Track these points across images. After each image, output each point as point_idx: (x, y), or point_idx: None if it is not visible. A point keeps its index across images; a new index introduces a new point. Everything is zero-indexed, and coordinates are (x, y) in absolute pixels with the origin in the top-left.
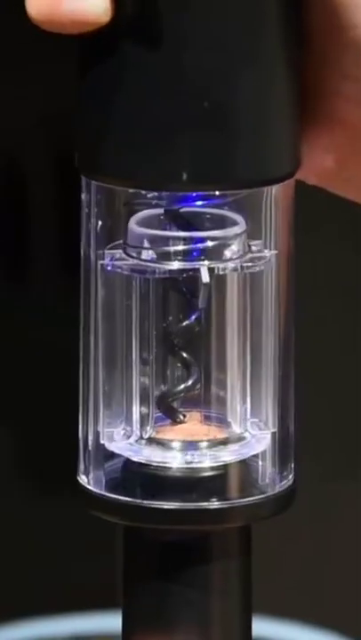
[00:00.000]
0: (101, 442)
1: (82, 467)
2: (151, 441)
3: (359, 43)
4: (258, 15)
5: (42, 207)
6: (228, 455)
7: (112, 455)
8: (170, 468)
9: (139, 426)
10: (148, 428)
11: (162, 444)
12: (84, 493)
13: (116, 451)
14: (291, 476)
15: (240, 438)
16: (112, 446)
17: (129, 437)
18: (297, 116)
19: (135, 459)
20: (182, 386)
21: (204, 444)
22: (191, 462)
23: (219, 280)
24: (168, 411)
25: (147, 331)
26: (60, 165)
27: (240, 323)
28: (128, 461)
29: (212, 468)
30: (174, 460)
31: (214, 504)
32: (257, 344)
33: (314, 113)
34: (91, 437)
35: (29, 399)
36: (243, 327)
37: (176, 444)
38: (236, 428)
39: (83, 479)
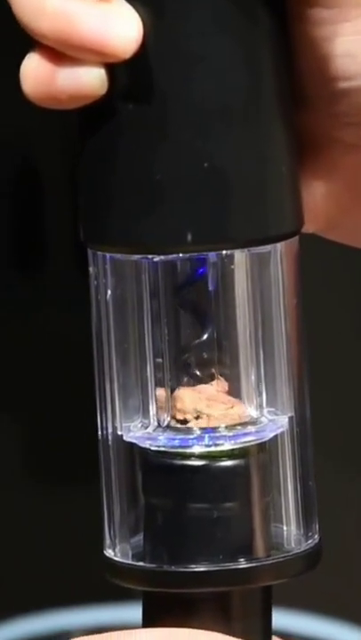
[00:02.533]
0: (119, 433)
1: (108, 541)
2: (169, 428)
3: (352, 92)
4: (253, 77)
5: (55, 193)
6: (248, 437)
7: (136, 529)
8: (190, 454)
9: (155, 413)
10: (166, 415)
11: (180, 429)
12: (110, 566)
13: (134, 441)
14: (316, 535)
15: (258, 422)
16: (130, 437)
17: (147, 428)
18: (297, 172)
19: (154, 447)
20: (196, 341)
21: (223, 427)
22: (211, 445)
23: (227, 262)
24: (184, 367)
25: (158, 317)
26: (72, 159)
27: (250, 304)
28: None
29: (234, 456)
30: (194, 444)
31: (241, 564)
32: (268, 326)
33: (313, 162)
34: (110, 431)
35: (37, 391)
36: (253, 309)
37: (195, 429)
38: (253, 413)
39: (109, 553)
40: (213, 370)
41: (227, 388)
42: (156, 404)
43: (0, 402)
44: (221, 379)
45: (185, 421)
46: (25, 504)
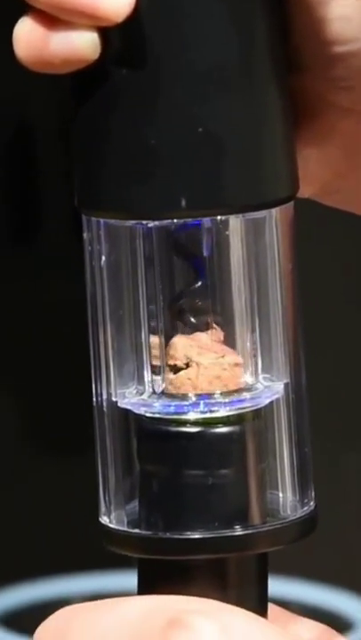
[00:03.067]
0: (114, 399)
1: (103, 508)
2: (164, 395)
3: (348, 56)
4: (246, 41)
5: (49, 158)
6: (243, 404)
7: (131, 496)
8: (186, 421)
9: (151, 379)
10: (161, 380)
11: (175, 395)
12: (105, 533)
13: (129, 407)
14: (312, 502)
15: (253, 388)
16: (125, 403)
17: (141, 394)
18: (292, 136)
19: (149, 414)
20: (190, 287)
21: (218, 394)
22: (206, 412)
23: (221, 227)
24: (179, 314)
25: (152, 282)
26: (67, 123)
27: (245, 270)
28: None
29: (229, 422)
30: (189, 411)
31: (237, 531)
32: (264, 292)
33: (308, 127)
34: (104, 397)
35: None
36: (248, 275)
37: (190, 395)
38: (249, 379)
39: (104, 520)
40: (209, 320)
41: (222, 338)
42: (150, 352)
43: (8, 374)
44: (217, 328)
45: (176, 368)
46: (21, 472)
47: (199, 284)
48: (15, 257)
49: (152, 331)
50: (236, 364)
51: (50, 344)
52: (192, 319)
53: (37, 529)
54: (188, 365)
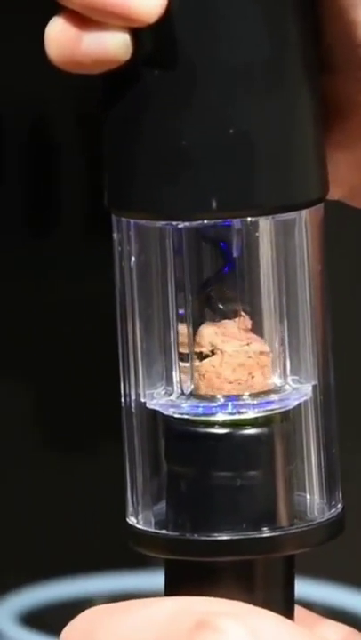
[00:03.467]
0: (142, 400)
1: (130, 509)
2: (192, 395)
3: None
4: (278, 42)
5: (68, 159)
6: (271, 405)
7: (159, 496)
8: (214, 422)
9: (179, 379)
10: (189, 382)
11: (203, 397)
12: (132, 534)
13: (158, 408)
14: (340, 505)
15: (281, 390)
16: (153, 404)
17: (170, 395)
18: (322, 138)
19: (177, 415)
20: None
21: (247, 395)
22: (234, 413)
23: (251, 229)
24: (207, 302)
25: (182, 283)
26: (88, 129)
27: (274, 271)
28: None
29: (258, 424)
30: (218, 412)
31: (265, 533)
32: (293, 294)
33: (338, 129)
34: (133, 398)
35: (42, 362)
36: (278, 277)
37: (219, 397)
38: (277, 381)
39: (132, 520)
40: (237, 308)
41: (250, 327)
42: (179, 346)
43: (14, 371)
44: (245, 315)
45: (202, 356)
46: (44, 471)
47: (228, 281)
48: (28, 257)
49: (181, 320)
50: (262, 353)
51: (58, 344)
52: (220, 306)
53: (60, 528)
54: (213, 353)
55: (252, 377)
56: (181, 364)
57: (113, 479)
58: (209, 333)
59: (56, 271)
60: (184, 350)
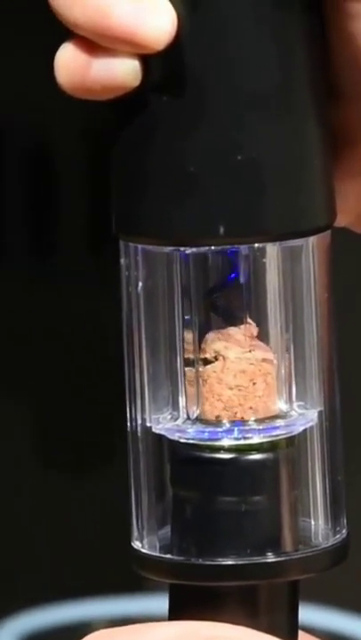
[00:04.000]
0: (148, 425)
1: (135, 533)
2: (198, 421)
3: None
4: (288, 68)
5: (71, 178)
6: (277, 431)
7: (163, 521)
8: (220, 447)
9: (185, 404)
10: (195, 407)
11: (209, 422)
12: (137, 558)
13: (163, 432)
14: (344, 530)
15: (287, 415)
16: (159, 429)
17: (176, 420)
18: (330, 166)
19: (183, 440)
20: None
21: (252, 420)
22: (240, 439)
23: (258, 255)
24: (212, 310)
25: (189, 309)
26: (88, 139)
27: (281, 297)
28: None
29: (263, 449)
30: (223, 437)
31: (269, 558)
32: (299, 320)
33: (346, 157)
34: (139, 422)
35: (48, 376)
36: (284, 303)
37: (225, 422)
38: (283, 406)
39: (137, 545)
40: (242, 315)
41: (255, 334)
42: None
43: (16, 390)
44: (251, 323)
45: (206, 361)
46: (43, 494)
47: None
48: (31, 274)
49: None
50: (265, 360)
51: (62, 359)
52: (225, 313)
53: (59, 551)
54: (216, 359)
55: (254, 384)
56: (186, 368)
57: (114, 502)
58: (213, 340)
59: (58, 290)
60: (189, 356)
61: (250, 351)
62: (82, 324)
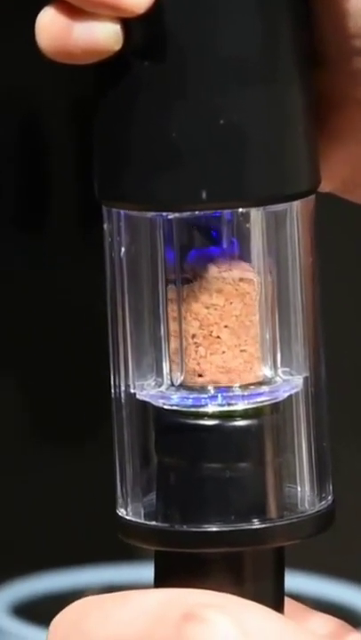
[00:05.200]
0: (132, 391)
1: (120, 500)
2: (182, 387)
3: None
4: (270, 33)
5: (59, 155)
6: (262, 397)
7: (148, 488)
8: (204, 414)
9: (169, 371)
10: (179, 373)
11: (193, 388)
12: (122, 525)
13: (147, 399)
14: (330, 497)
15: (272, 382)
16: (143, 395)
17: (160, 386)
18: (314, 131)
19: (167, 406)
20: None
21: (237, 387)
22: (224, 405)
23: (242, 220)
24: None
25: (172, 274)
26: (78, 120)
27: (265, 262)
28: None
29: (248, 416)
30: (207, 404)
31: (255, 525)
32: (284, 286)
33: (330, 122)
34: (123, 389)
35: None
36: (268, 267)
37: (209, 388)
38: (268, 372)
39: (121, 512)
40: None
41: (237, 252)
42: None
43: (5, 363)
44: (235, 242)
45: (187, 281)
46: (34, 462)
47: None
48: (22, 249)
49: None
50: (242, 280)
51: (54, 336)
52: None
53: (50, 520)
54: (194, 279)
55: (231, 303)
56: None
57: (105, 471)
58: (193, 259)
59: (47, 264)
60: (173, 321)
61: (227, 271)
62: (70, 298)
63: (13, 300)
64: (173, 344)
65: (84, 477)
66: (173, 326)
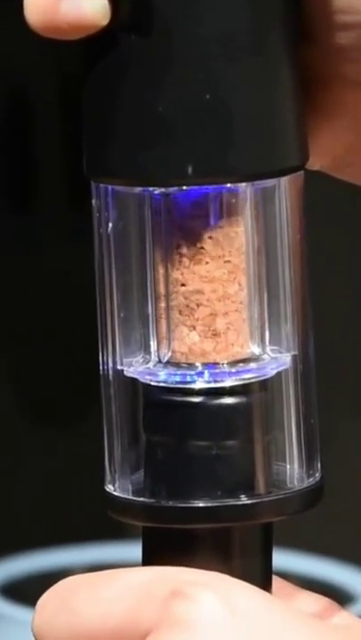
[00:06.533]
0: (120, 368)
1: (108, 477)
2: (169, 364)
3: (355, 26)
4: (257, 8)
5: (46, 128)
6: (249, 374)
7: (136, 465)
8: (191, 390)
9: (156, 348)
10: (166, 350)
11: (180, 365)
12: (110, 501)
13: (135, 376)
14: (318, 474)
15: (260, 359)
16: (131, 372)
17: (147, 363)
18: (302, 107)
19: (154, 383)
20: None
21: (225, 364)
22: (211, 381)
23: (229, 196)
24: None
25: (160, 250)
26: (65, 98)
27: (253, 239)
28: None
29: (235, 393)
30: (195, 380)
31: (241, 500)
32: (272, 263)
33: (317, 100)
34: (110, 366)
35: (31, 333)
36: (257, 245)
37: (196, 364)
38: (256, 350)
39: (109, 488)
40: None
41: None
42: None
43: None
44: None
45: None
46: (20, 443)
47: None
48: (11, 227)
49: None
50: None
51: (45, 315)
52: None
53: (38, 499)
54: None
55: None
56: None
57: (92, 449)
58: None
59: (34, 242)
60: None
61: (214, 241)
62: (60, 280)
63: (2, 282)
64: (161, 318)
65: (70, 457)
66: (161, 301)
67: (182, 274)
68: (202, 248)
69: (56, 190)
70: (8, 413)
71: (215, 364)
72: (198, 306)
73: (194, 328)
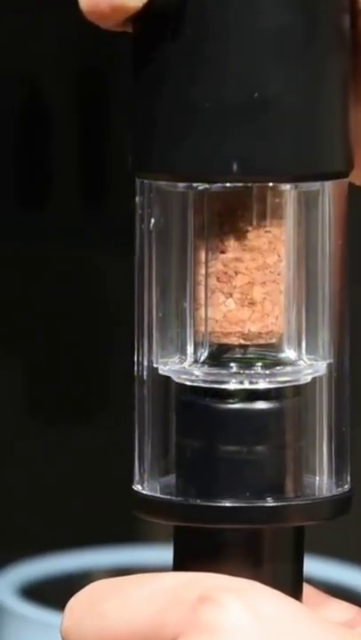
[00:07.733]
0: (155, 366)
1: (137, 477)
2: (205, 364)
3: None
4: (311, 8)
5: (61, 125)
6: (284, 377)
7: (166, 466)
8: (225, 391)
9: (193, 348)
10: (203, 350)
11: (216, 365)
12: (137, 500)
13: (170, 374)
14: (347, 485)
15: (295, 364)
16: (166, 370)
17: (183, 363)
18: (349, 112)
19: (189, 382)
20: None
21: (260, 366)
22: (244, 382)
23: (272, 195)
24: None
25: (201, 251)
26: (81, 91)
27: (294, 242)
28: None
29: (270, 397)
30: (229, 381)
31: (269, 502)
32: (312, 266)
33: None
34: (145, 365)
35: (41, 330)
36: (297, 247)
37: (231, 365)
38: (292, 355)
39: (137, 487)
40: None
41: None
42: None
43: (7, 340)
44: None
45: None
46: (47, 444)
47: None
48: (24, 226)
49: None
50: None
51: (56, 315)
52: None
53: (60, 500)
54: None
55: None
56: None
57: (112, 453)
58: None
59: (47, 243)
60: (200, 294)
61: (255, 239)
62: (70, 279)
63: (11, 279)
64: (200, 285)
65: (91, 460)
66: (200, 268)
67: (222, 241)
68: (245, 236)
69: (70, 191)
70: (27, 414)
71: (251, 366)
72: (236, 274)
73: (230, 295)
